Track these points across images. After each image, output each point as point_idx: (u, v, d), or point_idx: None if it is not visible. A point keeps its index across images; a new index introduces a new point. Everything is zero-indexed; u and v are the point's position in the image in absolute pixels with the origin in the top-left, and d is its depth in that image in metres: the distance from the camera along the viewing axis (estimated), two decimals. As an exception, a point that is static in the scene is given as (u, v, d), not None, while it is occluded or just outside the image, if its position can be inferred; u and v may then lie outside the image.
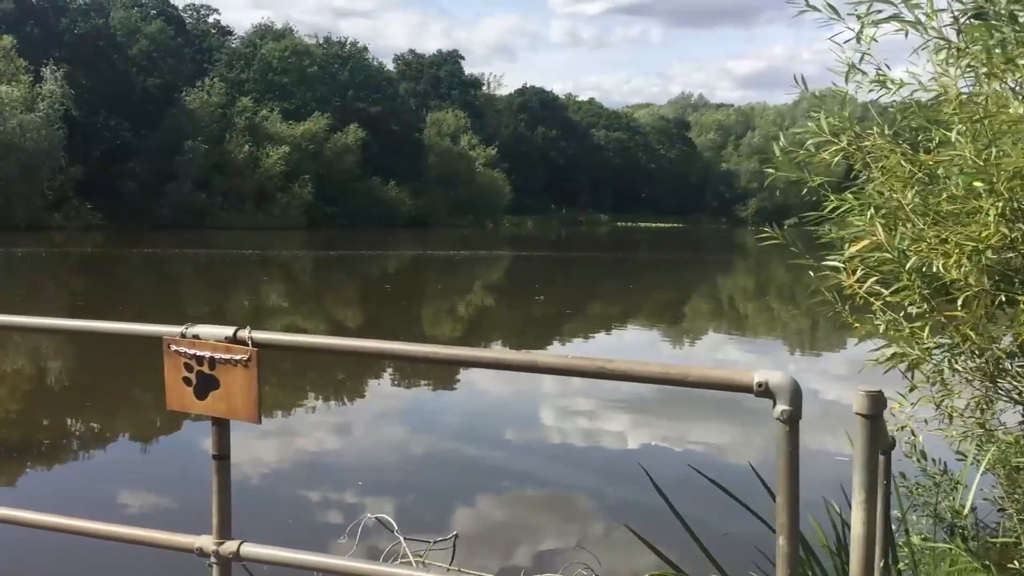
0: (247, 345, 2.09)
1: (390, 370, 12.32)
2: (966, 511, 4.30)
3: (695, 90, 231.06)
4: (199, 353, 2.13)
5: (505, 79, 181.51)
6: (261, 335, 2.10)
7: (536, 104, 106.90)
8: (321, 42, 77.89)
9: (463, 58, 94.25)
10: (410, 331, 16.74)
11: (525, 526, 6.37)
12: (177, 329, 2.16)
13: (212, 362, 2.12)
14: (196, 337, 2.14)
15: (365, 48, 78.85)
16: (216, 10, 79.12)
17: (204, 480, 2.24)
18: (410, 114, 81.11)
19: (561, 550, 5.83)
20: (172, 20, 70.51)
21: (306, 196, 64.44)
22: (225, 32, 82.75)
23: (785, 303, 23.79)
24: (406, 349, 2.10)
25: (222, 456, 2.20)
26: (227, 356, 2.10)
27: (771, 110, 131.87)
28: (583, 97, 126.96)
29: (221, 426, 2.20)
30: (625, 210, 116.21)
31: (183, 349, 2.15)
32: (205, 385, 2.14)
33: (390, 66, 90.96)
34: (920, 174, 3.89)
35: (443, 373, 11.77)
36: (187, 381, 2.15)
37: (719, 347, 15.31)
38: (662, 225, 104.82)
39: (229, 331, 2.12)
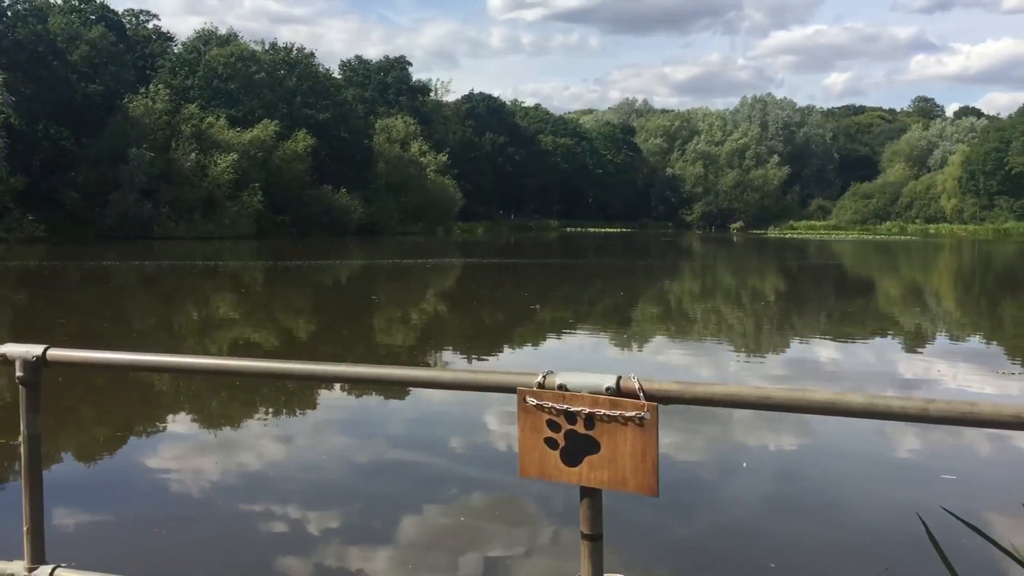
0: (638, 399, 1.71)
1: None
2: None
3: (633, 96, 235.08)
4: (570, 408, 1.74)
5: (453, 85, 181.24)
6: (657, 385, 1.73)
7: (483, 110, 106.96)
8: (267, 48, 76.65)
9: (410, 64, 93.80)
10: (413, 345, 16.44)
11: (474, 532, 6.31)
12: (534, 378, 1.79)
13: (590, 420, 1.74)
14: (563, 388, 1.76)
15: (312, 54, 77.86)
16: (155, 15, 77.70)
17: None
18: (359, 121, 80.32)
19: (511, 556, 5.83)
20: (113, 26, 68.75)
21: (256, 205, 63.27)
22: (166, 38, 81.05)
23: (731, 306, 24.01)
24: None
25: (595, 536, 1.82)
26: (612, 412, 1.71)
27: (712, 115, 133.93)
28: (529, 103, 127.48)
29: (594, 499, 1.81)
30: (572, 215, 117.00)
31: (546, 403, 1.77)
32: (578, 448, 1.75)
33: (335, 73, 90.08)
34: None
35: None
36: (551, 443, 1.77)
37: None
38: (611, 230, 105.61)
39: (610, 380, 1.73)
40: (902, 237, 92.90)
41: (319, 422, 10.13)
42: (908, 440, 9.12)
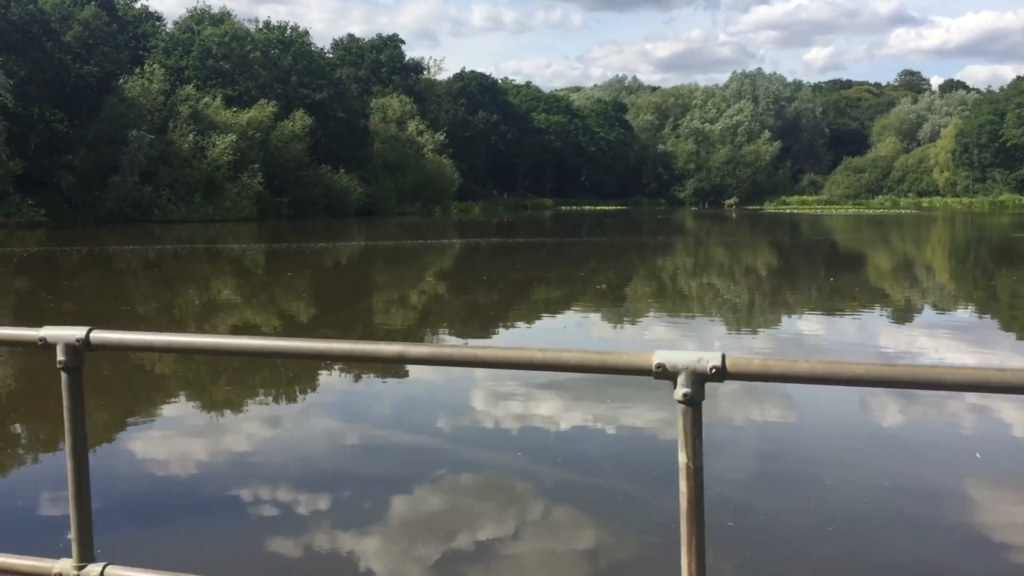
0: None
1: (317, 363, 11.96)
2: None
3: (622, 73, 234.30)
4: None
5: (444, 63, 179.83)
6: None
7: (475, 88, 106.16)
8: (261, 27, 75.53)
9: (403, 42, 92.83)
10: (437, 328, 16.21)
11: (465, 512, 6.37)
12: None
13: None
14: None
15: (306, 32, 76.79)
16: (143, -5, 75.80)
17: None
18: (354, 100, 79.46)
19: (502, 536, 5.86)
20: (104, 5, 67.36)
21: (256, 186, 62.52)
22: (155, 18, 79.68)
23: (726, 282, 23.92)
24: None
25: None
26: None
27: (705, 92, 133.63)
28: (519, 81, 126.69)
29: None
30: (565, 194, 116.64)
31: None
32: None
33: (327, 51, 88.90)
34: None
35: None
36: None
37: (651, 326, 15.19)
38: (605, 208, 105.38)
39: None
40: (895, 211, 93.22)
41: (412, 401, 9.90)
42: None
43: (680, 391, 1.67)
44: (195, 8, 74.87)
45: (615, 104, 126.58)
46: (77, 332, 1.91)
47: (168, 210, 58.47)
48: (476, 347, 1.84)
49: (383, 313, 18.22)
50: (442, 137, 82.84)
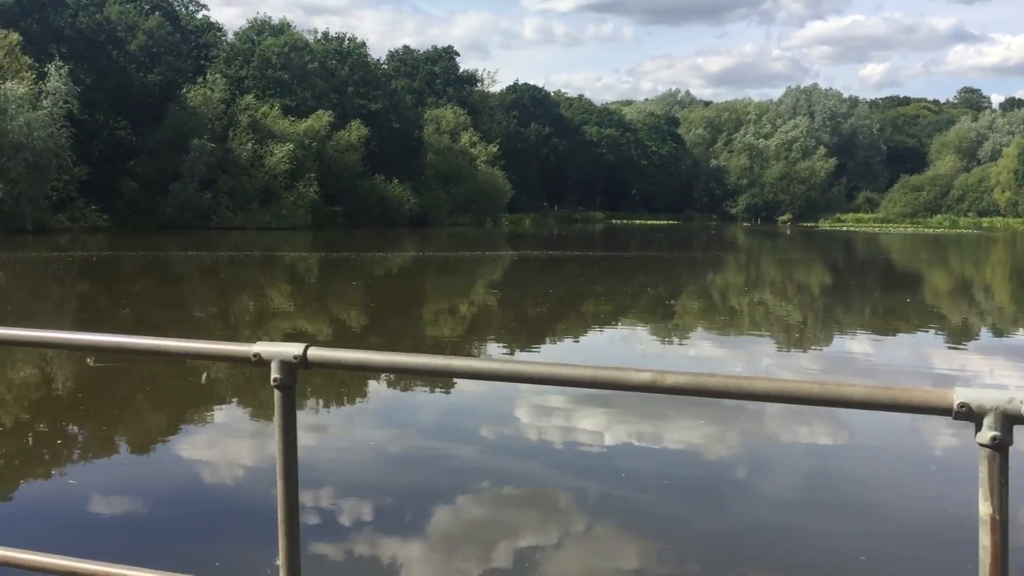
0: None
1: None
2: None
3: (664, 87, 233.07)
4: None
5: (498, 75, 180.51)
6: None
7: (528, 100, 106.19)
8: (320, 37, 76.32)
9: (458, 54, 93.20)
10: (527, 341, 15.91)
11: (505, 524, 6.39)
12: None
13: None
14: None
15: (363, 44, 77.47)
16: (205, 5, 77.33)
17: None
18: (409, 111, 79.88)
19: (543, 548, 5.84)
20: (168, 15, 68.74)
21: (312, 195, 63.03)
22: (215, 28, 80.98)
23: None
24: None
25: None
26: None
27: (759, 106, 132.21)
28: (572, 94, 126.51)
29: None
30: (615, 207, 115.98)
31: None
32: None
33: (382, 63, 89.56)
34: None
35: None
36: None
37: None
38: (657, 222, 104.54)
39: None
40: (955, 231, 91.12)
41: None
42: None
43: (987, 434, 1.51)
44: (255, 19, 75.91)
45: (667, 118, 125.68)
46: (294, 349, 1.83)
47: (226, 217, 59.18)
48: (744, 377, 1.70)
49: (501, 329, 17.98)
50: (495, 149, 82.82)
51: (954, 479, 7.74)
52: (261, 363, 1.88)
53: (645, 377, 1.69)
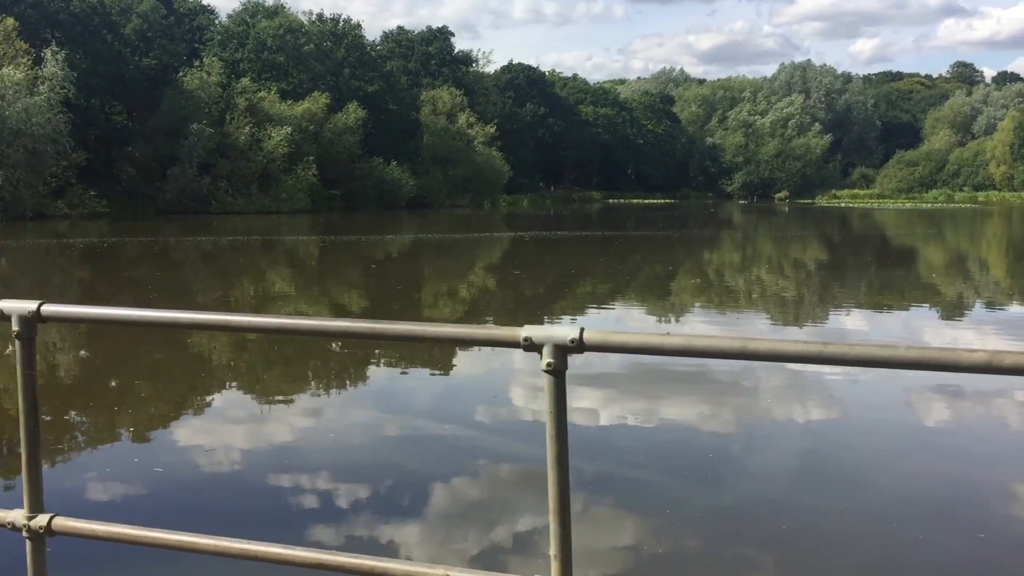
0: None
1: (356, 349, 12.10)
2: None
3: (655, 66, 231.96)
4: None
5: (493, 55, 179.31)
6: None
7: (523, 80, 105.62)
8: (315, 19, 75.69)
9: (453, 34, 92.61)
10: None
11: (502, 503, 6.42)
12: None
13: None
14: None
15: (359, 25, 76.88)
16: (196, -12, 76.25)
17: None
18: (405, 92, 79.43)
19: (540, 528, 5.81)
20: (161, -2, 67.98)
21: (310, 178, 62.71)
22: (208, 11, 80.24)
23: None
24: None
25: None
26: None
27: (753, 83, 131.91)
28: (566, 73, 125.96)
29: None
30: (611, 187, 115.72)
31: None
32: None
33: (376, 43, 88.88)
34: None
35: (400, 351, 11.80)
36: None
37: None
38: (654, 201, 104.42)
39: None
40: (951, 205, 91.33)
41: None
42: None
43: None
44: (249, 1, 75.16)
45: (662, 96, 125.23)
46: (570, 332, 1.90)
47: (225, 201, 58.87)
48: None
49: (530, 304, 17.94)
50: (492, 130, 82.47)
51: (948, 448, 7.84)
52: (532, 347, 1.87)
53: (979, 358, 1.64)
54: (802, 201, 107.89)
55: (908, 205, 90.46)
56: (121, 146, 59.37)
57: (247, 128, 60.79)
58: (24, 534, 2.17)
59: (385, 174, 69.59)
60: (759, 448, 7.95)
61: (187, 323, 2.16)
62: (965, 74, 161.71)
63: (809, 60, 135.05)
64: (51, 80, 49.82)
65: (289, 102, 65.52)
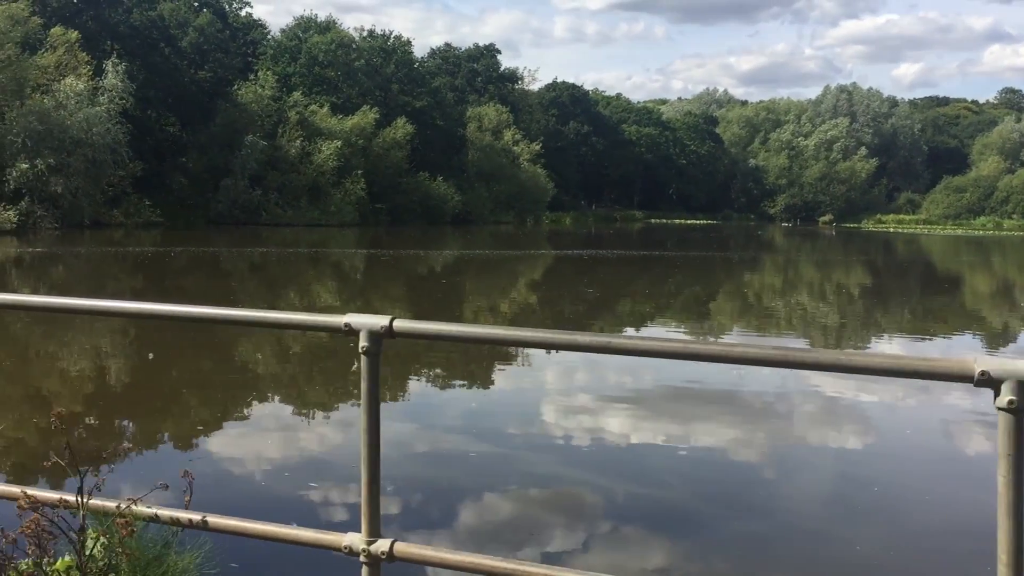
0: None
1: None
2: None
3: (695, 86, 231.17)
4: None
5: (539, 73, 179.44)
6: None
7: (567, 99, 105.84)
8: (365, 35, 76.49)
9: (499, 52, 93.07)
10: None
11: (533, 523, 6.41)
12: None
13: None
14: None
15: (408, 42, 77.59)
16: (248, 3, 77.33)
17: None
18: (452, 109, 79.90)
19: (570, 550, 5.80)
20: (217, 13, 69.19)
21: (359, 192, 63.22)
22: (260, 25, 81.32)
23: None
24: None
25: None
26: None
27: (798, 105, 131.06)
28: (610, 92, 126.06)
29: None
30: (653, 206, 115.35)
31: None
32: None
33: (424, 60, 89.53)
34: None
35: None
36: None
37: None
38: (696, 222, 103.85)
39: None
40: (1000, 233, 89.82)
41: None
42: None
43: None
44: (302, 16, 76.24)
45: (706, 117, 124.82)
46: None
47: (275, 213, 59.49)
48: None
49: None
50: (538, 147, 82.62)
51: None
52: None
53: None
54: (847, 225, 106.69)
55: (959, 232, 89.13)
56: (175, 157, 60.30)
57: (298, 141, 61.49)
58: (362, 559, 2.11)
59: (431, 189, 69.95)
60: (754, 456, 7.80)
61: (507, 339, 2.24)
62: (1013, 100, 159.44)
63: (855, 83, 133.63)
64: (111, 91, 50.79)
65: (339, 116, 66.19)
